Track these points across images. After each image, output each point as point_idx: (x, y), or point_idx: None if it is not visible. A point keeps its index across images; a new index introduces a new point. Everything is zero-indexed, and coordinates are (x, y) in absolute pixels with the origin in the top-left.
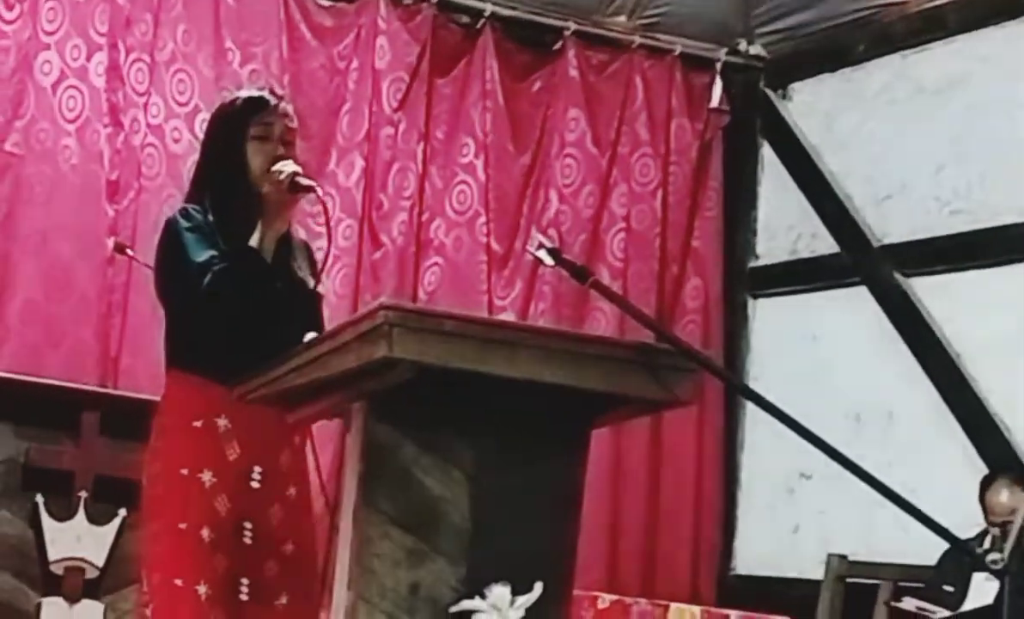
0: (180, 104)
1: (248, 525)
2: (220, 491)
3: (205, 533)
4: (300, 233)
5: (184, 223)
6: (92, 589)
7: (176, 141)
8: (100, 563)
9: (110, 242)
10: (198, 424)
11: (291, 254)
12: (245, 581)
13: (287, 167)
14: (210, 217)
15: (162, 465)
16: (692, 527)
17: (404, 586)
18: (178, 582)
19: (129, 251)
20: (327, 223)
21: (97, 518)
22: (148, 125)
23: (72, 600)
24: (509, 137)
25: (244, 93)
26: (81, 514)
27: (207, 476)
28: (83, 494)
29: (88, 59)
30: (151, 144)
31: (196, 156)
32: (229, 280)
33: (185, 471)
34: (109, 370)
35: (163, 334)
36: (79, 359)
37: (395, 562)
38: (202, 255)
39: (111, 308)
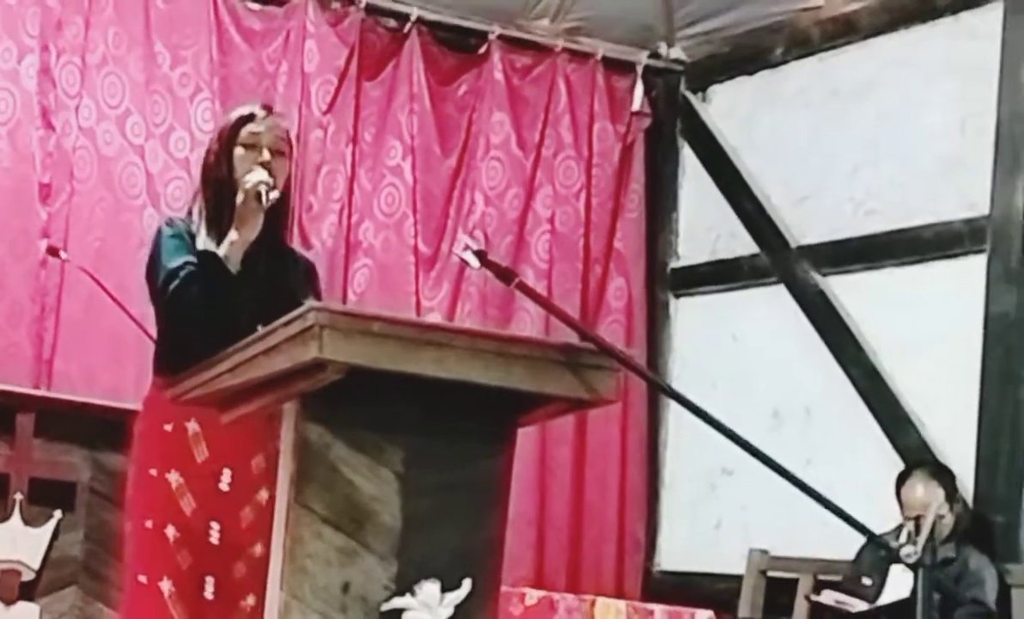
0: (111, 107)
1: (216, 525)
2: (187, 491)
3: (170, 531)
4: (306, 252)
5: (167, 231)
6: (28, 591)
7: (108, 144)
8: (36, 565)
9: (43, 245)
10: (168, 427)
11: (281, 266)
12: (211, 580)
13: (253, 176)
14: (193, 225)
15: (135, 468)
16: (617, 523)
17: (336, 585)
18: (142, 579)
19: (62, 254)
20: (282, 229)
21: (32, 520)
22: (79, 128)
23: (8, 602)
24: (436, 140)
25: (240, 108)
26: (16, 516)
27: (174, 476)
28: (18, 496)
29: (19, 61)
30: (83, 147)
31: (133, 158)
32: (192, 286)
33: (154, 472)
34: (43, 372)
35: (101, 335)
36: (13, 361)
37: (327, 561)
38: (174, 261)
39: (44, 310)
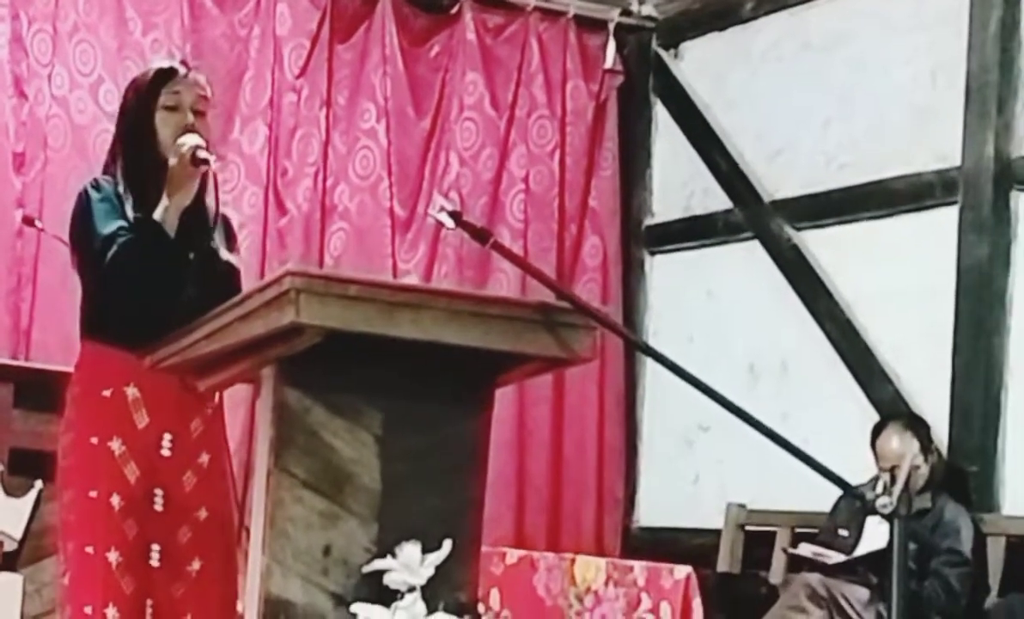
0: (83, 75)
1: (159, 492)
2: (129, 459)
3: (115, 500)
4: (210, 202)
5: (95, 194)
6: (11, 562)
7: (81, 112)
8: (18, 536)
9: (18, 214)
10: (107, 393)
11: (206, 225)
12: (156, 547)
13: (189, 140)
14: (120, 188)
15: (74, 435)
16: (595, 481)
17: (317, 548)
18: (89, 550)
19: (38, 223)
20: (215, 193)
21: (13, 491)
22: (53, 96)
23: None
24: (409, 102)
25: (156, 64)
26: None
27: (116, 444)
28: None
29: None
30: (56, 115)
31: (107, 126)
32: (132, 252)
33: (95, 440)
34: (21, 343)
35: (78, 305)
36: None
37: (308, 524)
38: (108, 227)
39: (21, 280)
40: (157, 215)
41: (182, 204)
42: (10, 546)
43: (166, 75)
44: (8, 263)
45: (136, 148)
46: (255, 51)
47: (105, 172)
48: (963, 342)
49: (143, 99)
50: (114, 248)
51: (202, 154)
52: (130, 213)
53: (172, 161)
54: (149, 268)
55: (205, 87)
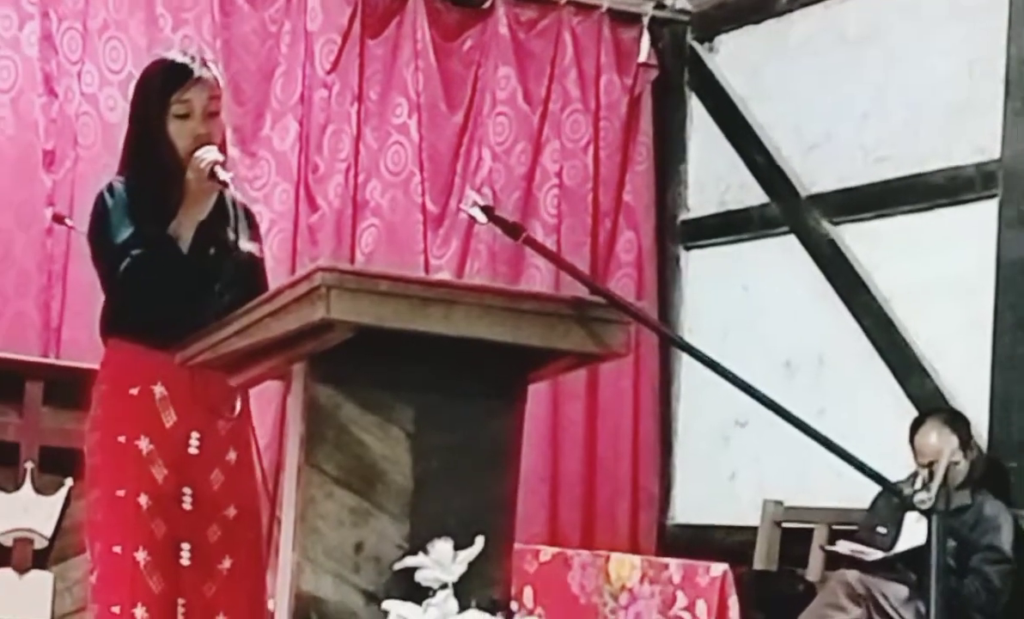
0: (113, 72)
1: (188, 490)
2: (157, 457)
3: (143, 500)
4: (238, 196)
5: (109, 200)
6: (41, 559)
7: (111, 109)
8: (48, 533)
9: (48, 212)
10: (134, 391)
11: (226, 219)
12: (186, 546)
13: (208, 155)
14: (135, 190)
15: (101, 434)
16: (630, 478)
17: (349, 545)
18: (117, 549)
19: (68, 221)
20: (256, 235)
21: (43, 489)
22: (82, 94)
23: (21, 571)
24: (441, 96)
25: (169, 57)
26: (28, 485)
27: (144, 443)
28: (29, 465)
29: (20, 28)
30: (86, 112)
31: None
32: (143, 267)
33: (122, 438)
34: (51, 340)
35: (101, 303)
36: (21, 330)
37: (339, 521)
38: (122, 234)
39: (51, 278)
40: (172, 229)
41: (197, 218)
42: (40, 544)
43: (174, 80)
44: (38, 261)
45: (150, 156)
46: (286, 47)
47: (120, 172)
48: (1003, 336)
49: (154, 107)
50: (127, 261)
51: (222, 175)
52: (145, 219)
53: (190, 175)
54: (161, 282)
55: (216, 86)
